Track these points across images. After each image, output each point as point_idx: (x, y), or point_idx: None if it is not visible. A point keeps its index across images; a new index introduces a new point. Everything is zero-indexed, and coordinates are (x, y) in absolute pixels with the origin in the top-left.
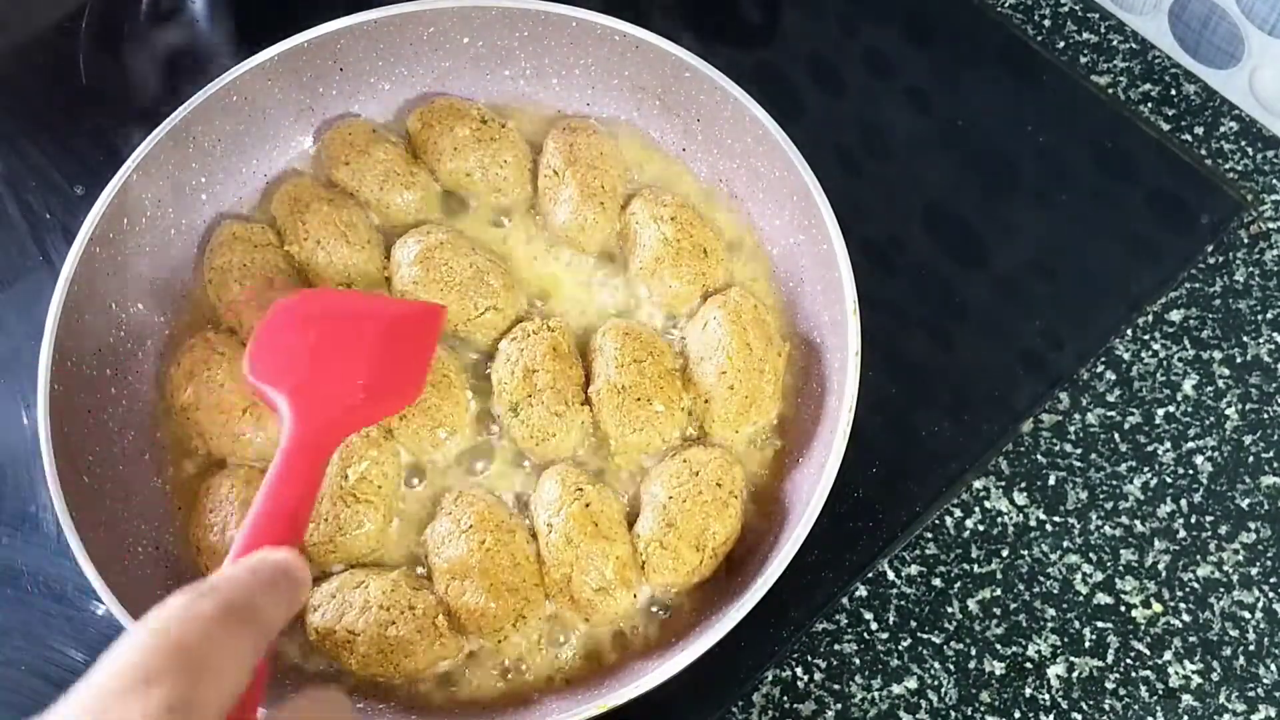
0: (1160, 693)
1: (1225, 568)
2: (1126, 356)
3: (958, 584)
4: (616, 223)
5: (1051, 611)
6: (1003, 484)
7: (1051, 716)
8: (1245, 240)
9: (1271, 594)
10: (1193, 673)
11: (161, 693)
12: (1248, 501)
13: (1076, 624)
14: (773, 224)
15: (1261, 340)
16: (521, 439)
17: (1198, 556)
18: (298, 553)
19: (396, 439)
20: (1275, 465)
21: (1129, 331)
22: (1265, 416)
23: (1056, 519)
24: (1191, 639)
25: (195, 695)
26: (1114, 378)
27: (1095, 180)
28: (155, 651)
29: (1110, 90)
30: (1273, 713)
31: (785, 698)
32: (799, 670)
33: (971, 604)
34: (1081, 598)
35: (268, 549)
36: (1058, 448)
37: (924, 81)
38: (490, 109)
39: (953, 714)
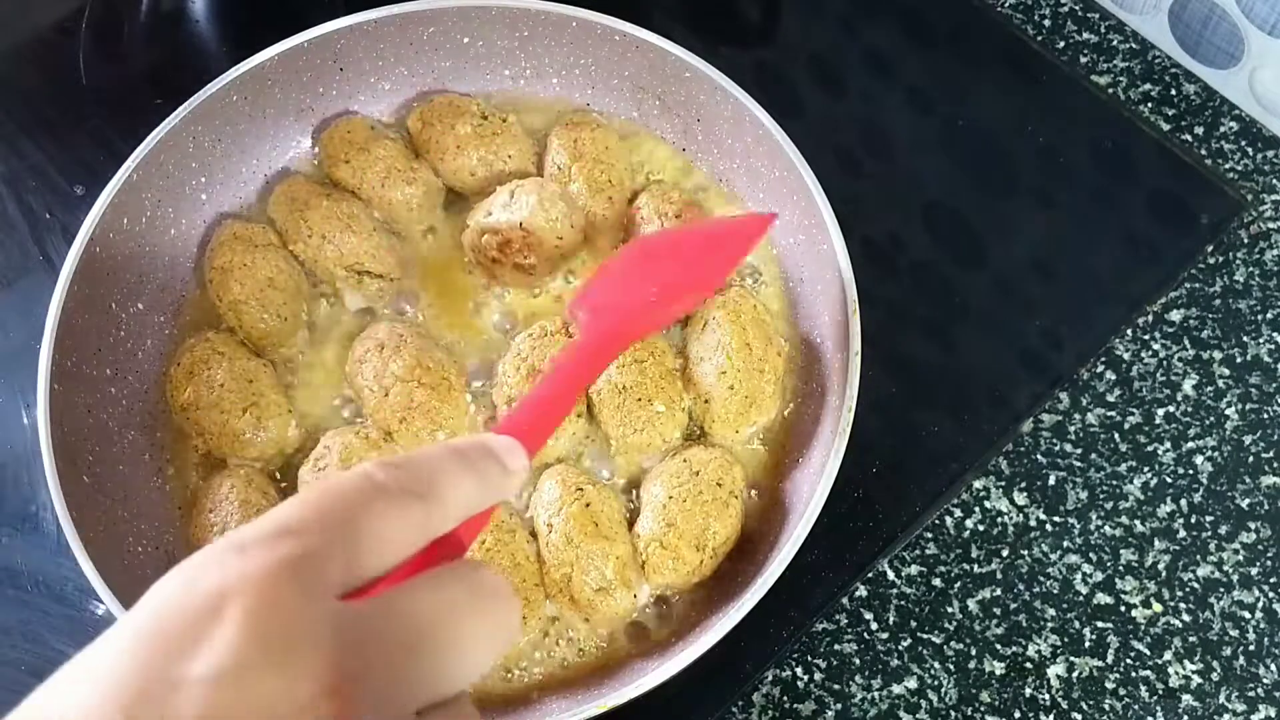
0: (1160, 693)
1: (1225, 568)
2: (1126, 356)
3: (958, 584)
4: (623, 217)
5: (1051, 611)
6: (1003, 484)
7: (1051, 716)
8: (1245, 240)
9: (1271, 594)
10: (1193, 673)
11: (287, 548)
12: (1248, 501)
13: (1076, 624)
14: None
15: (1261, 340)
16: None
17: (1198, 556)
18: (518, 443)
19: (396, 441)
20: (1275, 465)
21: (1129, 331)
22: (1265, 416)
23: (1056, 519)
24: (1191, 639)
25: (320, 559)
26: (1114, 378)
27: (1095, 180)
28: (298, 507)
29: (1110, 90)
30: (1273, 713)
31: (785, 698)
32: (799, 670)
33: (971, 604)
34: (1081, 598)
35: (488, 434)
36: (1058, 448)
37: (924, 81)
38: (490, 105)
39: (953, 714)
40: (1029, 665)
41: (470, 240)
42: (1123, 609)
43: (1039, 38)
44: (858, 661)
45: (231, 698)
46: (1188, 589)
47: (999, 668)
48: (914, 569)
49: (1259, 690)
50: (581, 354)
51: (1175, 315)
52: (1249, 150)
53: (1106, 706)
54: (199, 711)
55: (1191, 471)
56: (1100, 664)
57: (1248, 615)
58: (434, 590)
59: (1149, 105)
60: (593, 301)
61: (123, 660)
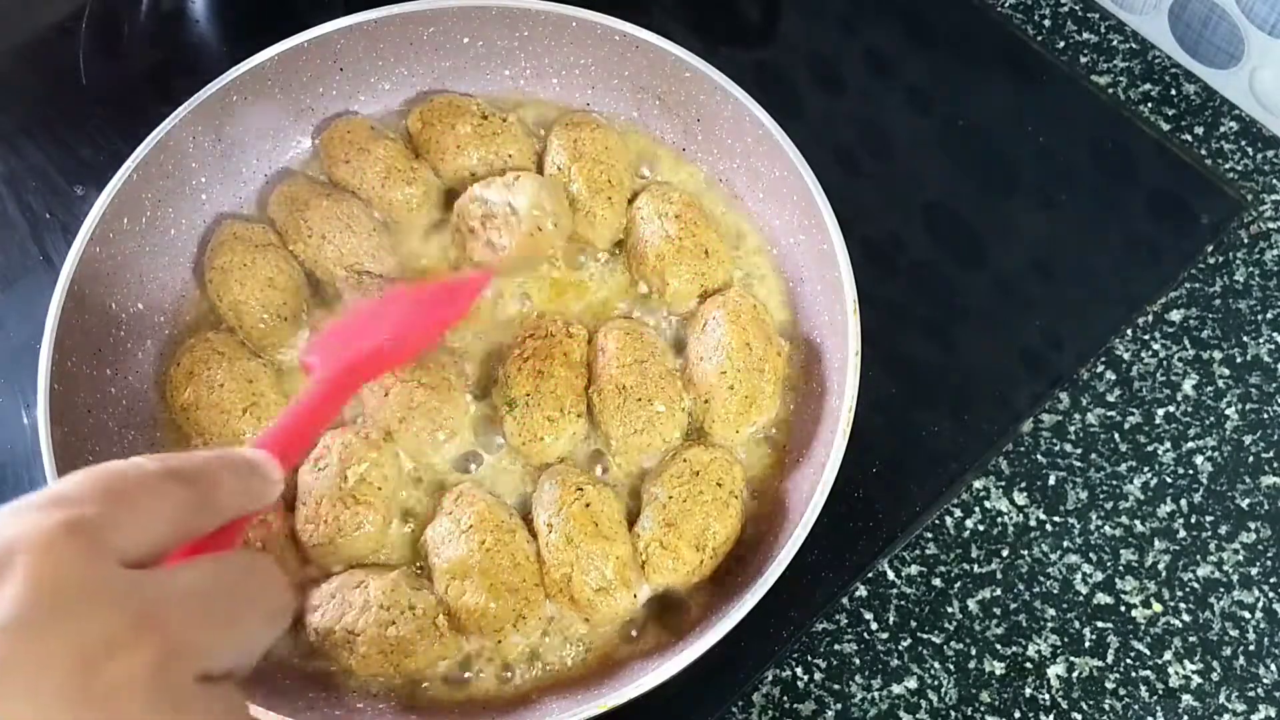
0: (1160, 693)
1: (1225, 568)
2: (1126, 356)
3: (958, 584)
4: (624, 217)
5: (1051, 611)
6: (1003, 484)
7: (1051, 716)
8: (1245, 240)
9: (1271, 594)
10: (1193, 673)
11: (66, 513)
12: (1248, 501)
13: (1076, 624)
14: (773, 224)
15: (1261, 340)
16: (512, 436)
17: (1198, 556)
18: (273, 457)
19: (396, 441)
20: (1275, 465)
21: (1129, 331)
22: (1265, 416)
23: (1056, 519)
24: (1191, 639)
25: (101, 524)
26: (1114, 378)
27: (1095, 180)
28: (78, 481)
29: (1110, 90)
30: (1273, 713)
31: (785, 698)
32: (799, 670)
33: (971, 604)
34: (1081, 598)
35: (248, 449)
36: (1058, 448)
37: (924, 81)
38: (490, 105)
39: (953, 714)
40: (1029, 665)
41: (460, 205)
42: (1123, 609)
43: (1039, 38)
44: (858, 661)
45: (21, 647)
46: (1188, 589)
47: (999, 668)
48: (914, 569)
49: (1259, 690)
50: (319, 389)
51: (1175, 315)
52: (1249, 150)
53: (1106, 706)
54: None
55: (1191, 471)
56: (1100, 664)
57: (1248, 615)
58: (214, 565)
59: (1149, 105)
60: (324, 345)
61: None
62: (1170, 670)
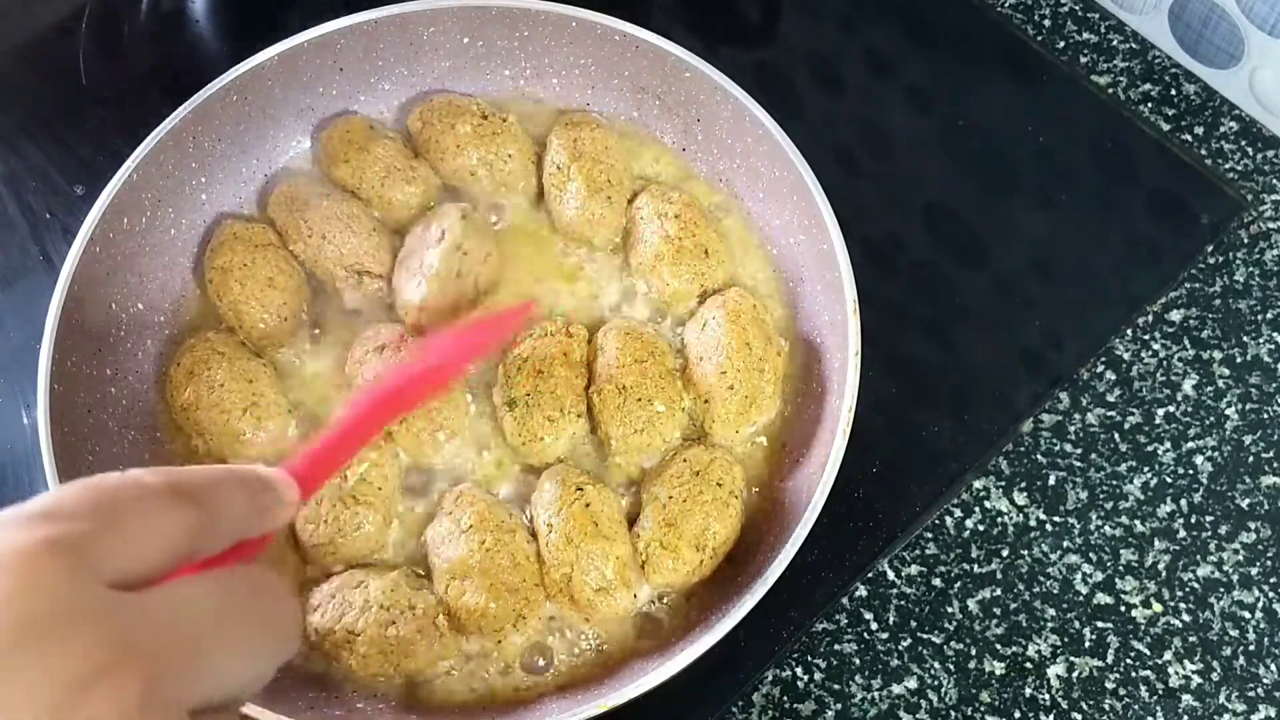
0: (1160, 693)
1: (1225, 568)
2: (1126, 356)
3: (958, 584)
4: (623, 217)
5: (1051, 611)
6: (1003, 484)
7: (1051, 716)
8: (1245, 240)
9: (1271, 594)
10: (1193, 673)
11: (50, 529)
12: (1248, 501)
13: (1076, 624)
14: (773, 224)
15: (1261, 340)
16: (511, 435)
17: (1198, 556)
18: (290, 476)
19: (395, 441)
20: (1275, 465)
21: (1129, 331)
22: (1265, 416)
23: (1056, 519)
24: (1191, 639)
25: (88, 542)
26: (1114, 378)
27: (1095, 180)
28: (68, 494)
29: (1110, 90)
30: (1273, 713)
31: (785, 698)
32: (799, 670)
33: (971, 604)
34: (1081, 598)
35: (267, 468)
36: (1058, 448)
37: (924, 81)
38: (490, 105)
39: (953, 714)
40: (1029, 665)
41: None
42: (1123, 609)
43: (1039, 38)
44: (858, 661)
45: None
46: (1188, 589)
47: (999, 668)
48: (914, 569)
49: (1259, 690)
50: (346, 419)
51: (1175, 315)
52: (1249, 150)
53: (1106, 706)
54: None
55: (1191, 471)
56: (1100, 664)
57: (1248, 615)
58: (213, 584)
59: (1149, 105)
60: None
61: None
62: (1170, 670)
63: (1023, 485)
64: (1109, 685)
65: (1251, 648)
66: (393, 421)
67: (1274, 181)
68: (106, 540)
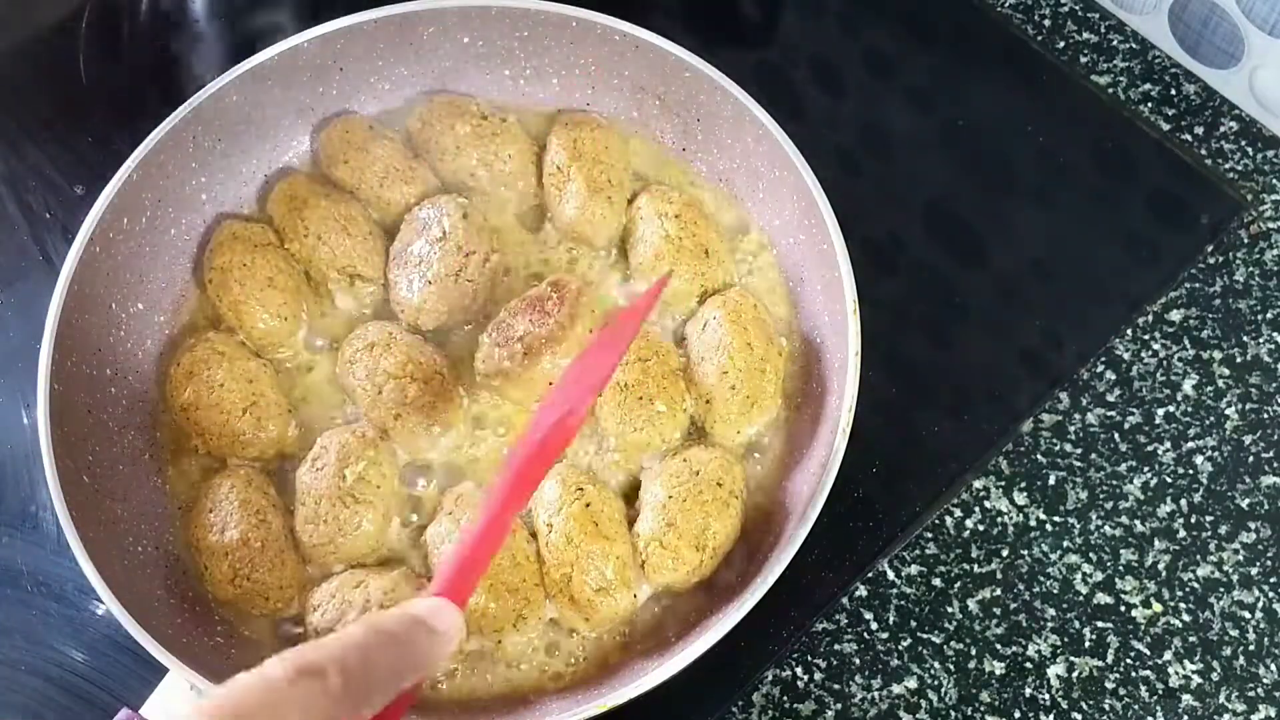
0: (1160, 693)
1: (1225, 568)
2: (1126, 356)
3: (958, 584)
4: (623, 216)
5: (1051, 611)
6: (1003, 484)
7: (1051, 716)
8: (1245, 240)
9: (1271, 594)
10: (1193, 673)
11: None
12: (1248, 501)
13: (1076, 624)
14: (773, 224)
15: (1261, 340)
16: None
17: (1198, 556)
18: (439, 597)
19: (392, 439)
20: (1275, 465)
21: (1129, 331)
22: (1265, 416)
23: (1056, 519)
24: (1191, 639)
25: None
26: (1114, 378)
27: (1095, 180)
28: (203, 710)
29: (1110, 90)
30: (1273, 713)
31: (785, 698)
32: (799, 670)
33: (971, 604)
34: (1081, 598)
35: (415, 600)
36: (1058, 448)
37: (924, 81)
38: (490, 105)
39: (953, 714)
40: (1029, 665)
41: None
42: (1123, 609)
43: (1039, 38)
44: (858, 661)
45: None
46: (1188, 589)
47: (999, 668)
48: (914, 569)
49: (1259, 690)
50: (489, 503)
51: (1175, 315)
52: (1249, 150)
53: (1106, 706)
54: None
55: (1191, 471)
56: (1100, 664)
57: (1248, 615)
58: None
59: (1149, 105)
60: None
61: None
62: (1170, 670)
63: (1023, 485)
64: (1109, 685)
65: (1251, 648)
66: (539, 485)
67: (1274, 181)
68: None
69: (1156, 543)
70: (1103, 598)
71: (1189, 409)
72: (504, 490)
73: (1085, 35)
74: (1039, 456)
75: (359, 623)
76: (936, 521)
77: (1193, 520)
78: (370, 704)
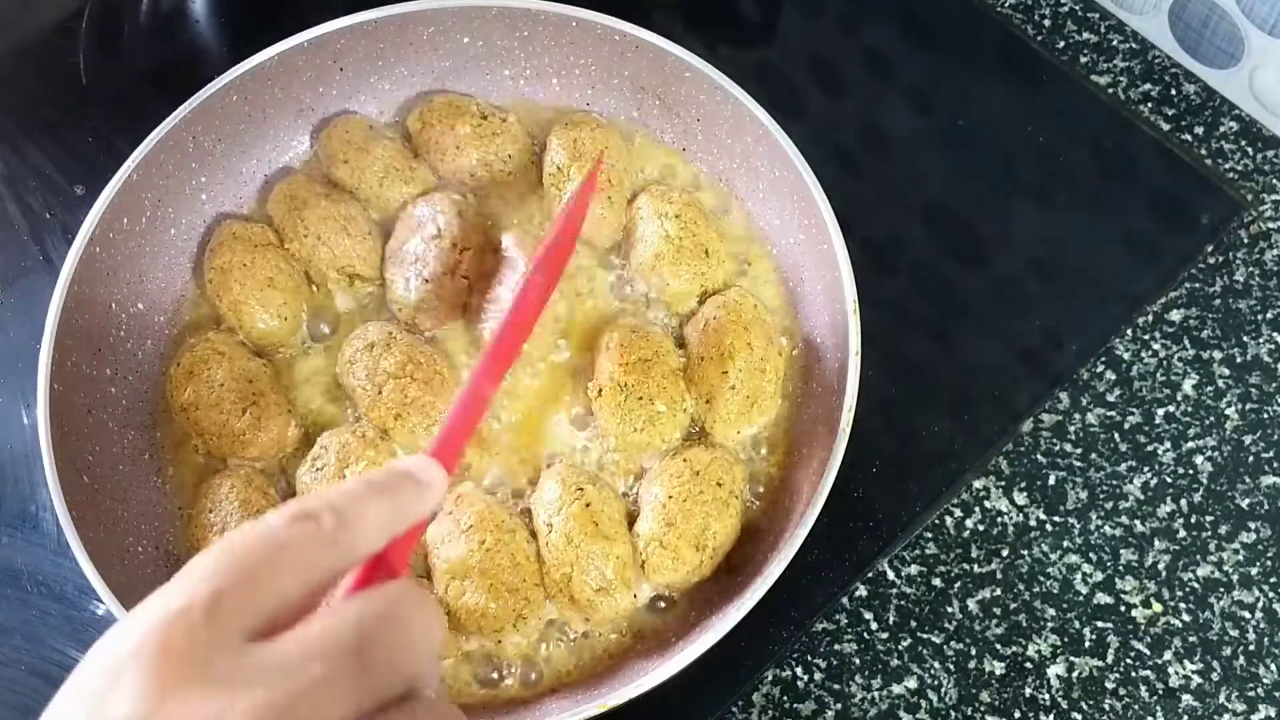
0: (1160, 693)
1: (1225, 568)
2: (1126, 356)
3: (958, 584)
4: (624, 216)
5: (1051, 611)
6: (1003, 484)
7: (1051, 716)
8: (1245, 240)
9: (1271, 594)
10: (1193, 673)
11: (182, 600)
12: (1248, 501)
13: (1076, 624)
14: (773, 224)
15: (1261, 340)
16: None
17: (1198, 556)
18: (433, 459)
19: (393, 439)
20: (1275, 465)
21: (1129, 331)
22: (1265, 416)
23: (1056, 519)
24: (1191, 639)
25: (221, 603)
26: (1114, 378)
27: (1095, 180)
28: (199, 563)
29: (1110, 90)
30: (1273, 713)
31: (785, 698)
32: (799, 670)
33: (971, 604)
34: (1081, 598)
35: (401, 458)
36: (1058, 448)
37: (924, 81)
38: (490, 105)
39: (953, 714)
40: (1029, 665)
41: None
42: (1123, 609)
43: (1039, 38)
44: (858, 661)
45: None
46: (1188, 589)
47: (999, 668)
48: (914, 569)
49: (1259, 690)
50: (481, 365)
51: (1175, 315)
52: (1249, 150)
53: (1106, 706)
54: None
55: (1191, 471)
56: (1100, 664)
57: (1248, 615)
58: (356, 613)
59: (1149, 105)
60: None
61: (56, 710)
62: (1170, 670)
63: (1023, 485)
64: (1109, 685)
65: (1251, 648)
66: (515, 360)
67: (1274, 181)
68: (237, 594)
69: (1156, 543)
70: (1103, 598)
71: (1189, 409)
72: (484, 364)
73: (1085, 35)
74: (1039, 456)
75: (353, 479)
76: (936, 521)
77: (1193, 520)
78: (362, 547)
